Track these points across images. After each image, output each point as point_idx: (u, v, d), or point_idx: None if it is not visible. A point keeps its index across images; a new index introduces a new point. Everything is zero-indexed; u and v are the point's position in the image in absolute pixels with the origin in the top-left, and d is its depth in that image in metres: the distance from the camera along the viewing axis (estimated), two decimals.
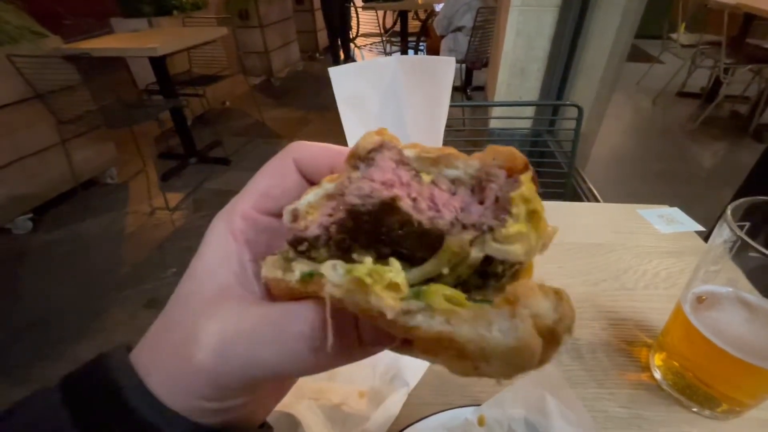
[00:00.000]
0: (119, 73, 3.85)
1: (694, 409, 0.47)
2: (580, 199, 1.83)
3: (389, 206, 0.18)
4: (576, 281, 0.67)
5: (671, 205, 0.84)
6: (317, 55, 6.71)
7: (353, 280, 0.16)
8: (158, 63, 2.95)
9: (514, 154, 0.18)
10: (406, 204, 0.18)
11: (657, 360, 0.51)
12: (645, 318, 0.59)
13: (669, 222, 0.78)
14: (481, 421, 0.41)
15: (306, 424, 0.39)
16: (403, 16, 5.33)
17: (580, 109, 1.39)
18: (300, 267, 0.19)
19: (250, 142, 3.88)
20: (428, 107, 0.52)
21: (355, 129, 0.50)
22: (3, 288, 2.27)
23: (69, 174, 2.86)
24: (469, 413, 0.41)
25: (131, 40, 2.98)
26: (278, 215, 0.23)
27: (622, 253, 0.72)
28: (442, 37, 4.00)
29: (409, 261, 0.19)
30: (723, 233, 0.42)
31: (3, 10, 2.59)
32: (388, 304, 0.15)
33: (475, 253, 0.17)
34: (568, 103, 1.69)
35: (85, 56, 2.63)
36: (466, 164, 0.19)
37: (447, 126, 0.55)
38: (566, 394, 0.42)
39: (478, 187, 0.19)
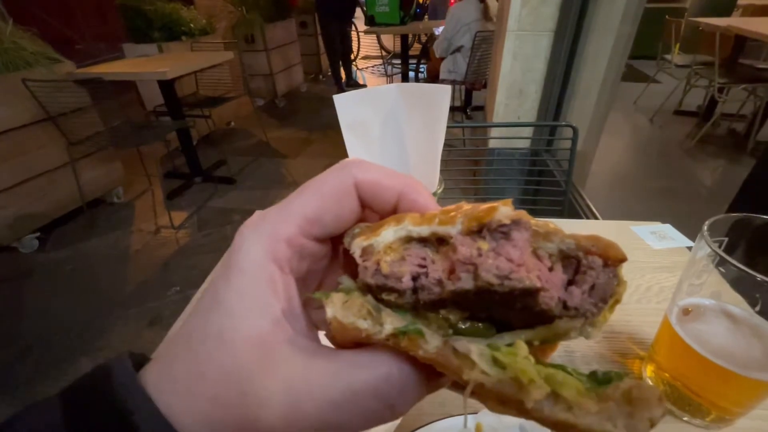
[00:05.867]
0: (128, 95, 3.96)
1: (685, 419, 0.49)
2: (578, 216, 1.85)
3: (525, 292, 0.17)
4: None
5: (670, 222, 0.86)
6: (320, 77, 6.89)
7: (514, 378, 0.16)
8: (167, 86, 3.05)
9: (614, 247, 0.18)
10: (544, 294, 0.17)
11: (649, 371, 0.53)
12: (637, 331, 0.61)
13: (661, 238, 0.81)
14: (478, 429, 0.43)
15: None
16: (404, 39, 5.50)
17: (575, 130, 1.44)
18: (392, 321, 0.18)
19: (255, 161, 3.95)
20: (427, 131, 0.56)
21: (358, 152, 0.54)
22: (8, 307, 2.29)
23: (76, 193, 2.91)
24: (467, 421, 0.43)
25: (142, 65, 3.08)
26: (323, 240, 0.22)
27: None
28: (442, 59, 4.11)
29: (488, 320, 0.19)
30: (703, 248, 0.44)
31: (19, 37, 2.69)
32: (535, 397, 0.16)
33: (574, 335, 0.18)
34: (563, 123, 1.74)
35: (97, 80, 2.72)
36: (562, 241, 0.19)
37: (449, 145, 0.58)
38: None
39: (573, 266, 0.19)
